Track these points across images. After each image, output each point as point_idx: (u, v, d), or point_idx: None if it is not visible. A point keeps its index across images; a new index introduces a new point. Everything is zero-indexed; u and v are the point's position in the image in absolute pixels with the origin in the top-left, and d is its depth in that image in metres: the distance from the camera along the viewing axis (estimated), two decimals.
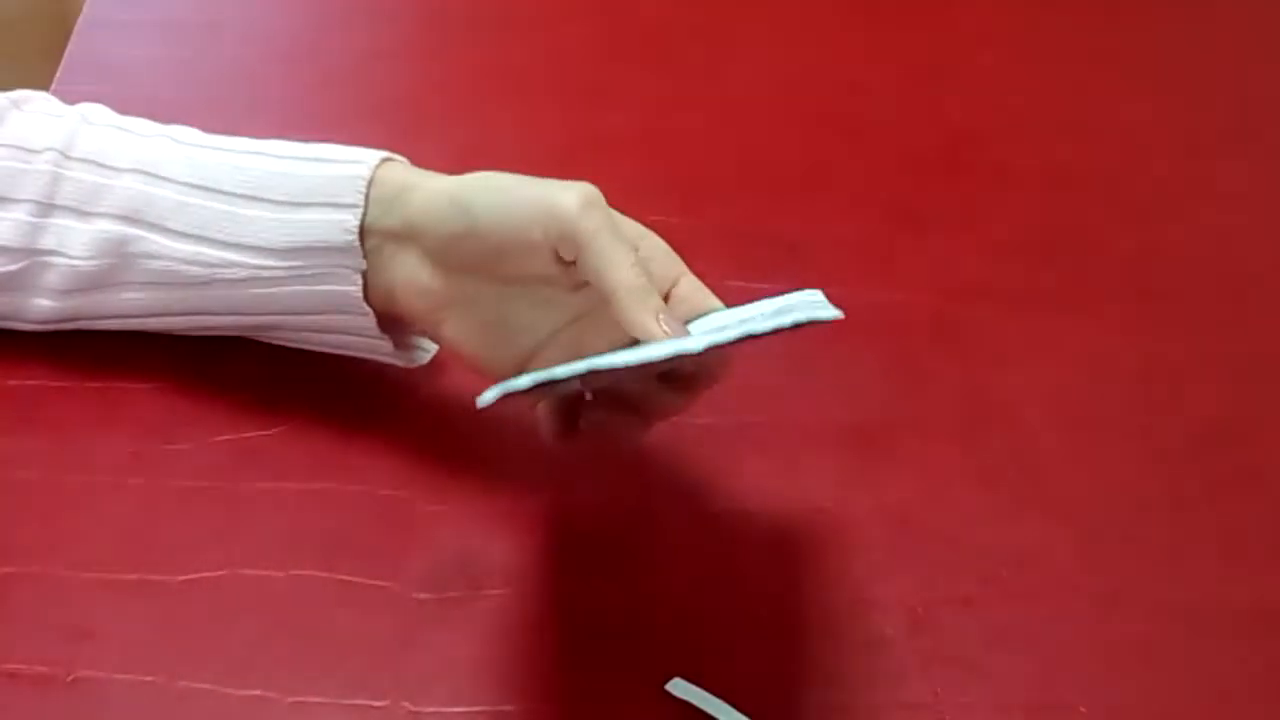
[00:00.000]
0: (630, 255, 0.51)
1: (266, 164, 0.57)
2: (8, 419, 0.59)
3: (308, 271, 0.56)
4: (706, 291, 0.55)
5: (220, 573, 0.55)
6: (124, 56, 0.82)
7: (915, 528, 0.60)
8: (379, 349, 0.59)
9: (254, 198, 0.57)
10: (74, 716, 0.50)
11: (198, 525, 0.57)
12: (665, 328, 0.50)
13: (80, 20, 0.84)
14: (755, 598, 0.56)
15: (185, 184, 0.57)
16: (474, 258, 0.54)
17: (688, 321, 0.53)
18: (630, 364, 0.46)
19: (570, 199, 0.52)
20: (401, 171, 0.57)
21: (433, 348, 0.62)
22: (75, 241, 0.58)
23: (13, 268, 0.59)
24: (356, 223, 0.55)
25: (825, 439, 0.63)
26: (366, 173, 0.56)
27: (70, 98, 0.78)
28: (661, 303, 0.51)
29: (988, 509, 0.61)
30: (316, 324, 0.59)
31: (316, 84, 0.83)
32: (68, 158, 0.59)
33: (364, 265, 0.56)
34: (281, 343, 0.61)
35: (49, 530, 0.56)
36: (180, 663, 0.52)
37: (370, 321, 0.57)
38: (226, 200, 0.57)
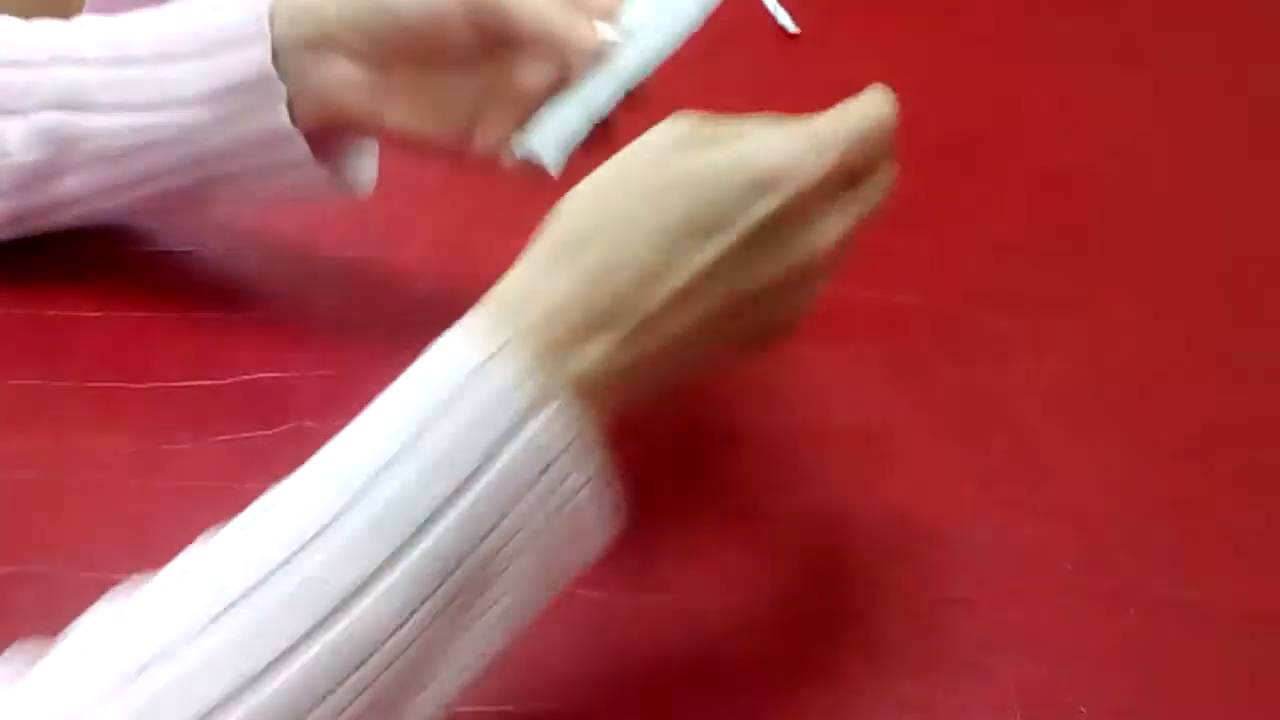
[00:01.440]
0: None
1: (173, 23, 0.59)
2: (8, 419, 0.59)
3: (233, 113, 0.58)
4: None
5: None
6: None
7: (915, 528, 0.60)
8: (317, 180, 0.60)
9: (171, 57, 0.58)
10: None
11: (198, 525, 0.57)
12: (603, 29, 0.56)
13: None
14: (755, 597, 0.56)
15: (104, 60, 0.59)
16: (398, 46, 0.57)
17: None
18: (661, 52, 0.57)
19: None
20: None
21: (372, 175, 0.64)
22: (13, 139, 0.59)
23: None
24: (267, 53, 0.57)
25: (825, 439, 0.63)
26: (263, 9, 0.57)
27: None
28: (589, 22, 0.55)
29: (988, 509, 0.61)
30: (253, 167, 0.60)
31: None
32: None
33: (284, 92, 0.57)
34: (231, 204, 0.64)
35: (49, 530, 0.56)
36: None
37: (302, 149, 0.59)
38: (144, 66, 0.59)
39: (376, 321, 0.66)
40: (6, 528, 0.56)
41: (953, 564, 0.58)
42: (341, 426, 0.60)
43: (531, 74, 0.57)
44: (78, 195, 0.61)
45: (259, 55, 0.57)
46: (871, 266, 0.73)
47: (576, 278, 0.45)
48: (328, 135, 0.61)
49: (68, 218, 0.62)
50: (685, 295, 0.46)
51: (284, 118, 0.58)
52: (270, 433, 0.60)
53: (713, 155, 0.47)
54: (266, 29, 0.57)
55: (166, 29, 0.60)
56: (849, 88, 0.87)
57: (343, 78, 0.58)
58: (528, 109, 0.57)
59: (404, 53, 0.57)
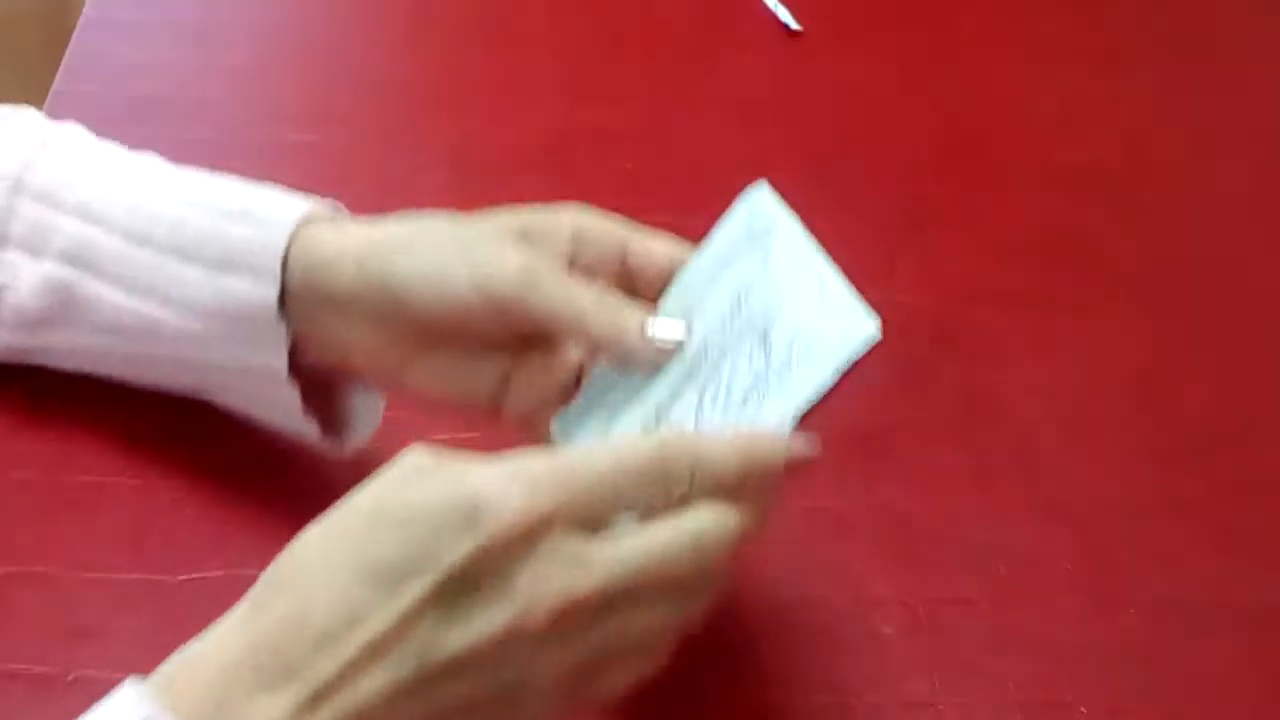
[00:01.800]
0: (583, 293, 0.49)
1: (198, 217, 0.55)
2: (8, 419, 0.59)
3: (233, 336, 0.54)
4: (660, 239, 0.53)
5: (220, 573, 0.55)
6: (124, 56, 0.82)
7: (915, 528, 0.60)
8: (306, 430, 0.56)
9: (185, 254, 0.54)
10: (73, 716, 0.50)
11: (198, 525, 0.57)
12: (654, 335, 0.50)
13: (80, 20, 0.84)
14: (755, 598, 0.56)
15: (123, 231, 0.55)
16: (415, 327, 0.52)
17: (662, 288, 0.52)
18: (824, 386, 0.48)
19: (507, 281, 0.49)
20: (323, 234, 0.53)
21: (365, 436, 0.58)
22: (25, 280, 0.56)
23: None
24: (273, 295, 0.52)
25: (825, 439, 0.63)
26: (282, 241, 0.53)
27: (70, 98, 0.78)
28: (636, 318, 0.50)
29: (988, 509, 0.61)
30: (245, 394, 0.56)
31: (316, 84, 0.83)
32: (20, 190, 0.57)
33: (286, 336, 0.53)
34: (225, 406, 0.59)
35: (49, 530, 0.56)
36: None
37: (294, 399, 0.54)
38: (160, 254, 0.55)
39: None
40: (6, 528, 0.56)
41: (953, 564, 0.58)
42: None
43: (572, 352, 0.52)
44: (72, 352, 0.58)
45: (266, 294, 0.52)
46: (871, 266, 0.73)
47: (255, 633, 0.41)
48: (336, 376, 0.56)
49: (64, 365, 0.59)
50: (371, 655, 0.40)
51: (281, 363, 0.53)
52: (270, 435, 0.60)
53: (418, 491, 0.41)
54: (277, 270, 0.52)
55: (189, 218, 0.55)
56: (850, 85, 0.87)
57: (357, 339, 0.52)
58: (565, 382, 0.52)
59: (422, 332, 0.52)
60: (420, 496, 0.41)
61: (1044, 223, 0.77)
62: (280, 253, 0.52)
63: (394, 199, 0.73)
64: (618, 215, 0.53)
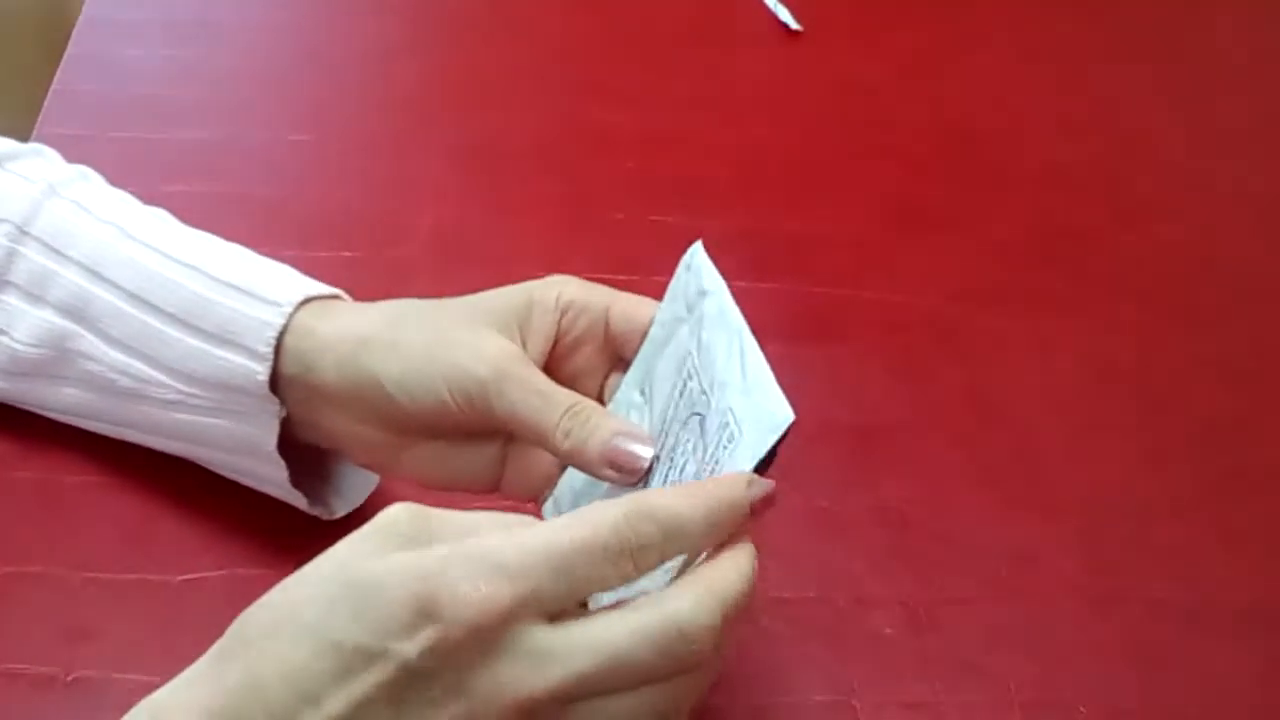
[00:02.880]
0: (551, 402, 0.49)
1: (199, 285, 0.54)
2: (8, 420, 0.59)
3: (229, 407, 0.53)
4: (642, 303, 0.52)
5: (220, 573, 0.55)
6: (124, 56, 0.82)
7: (915, 528, 0.60)
8: (294, 499, 0.56)
9: (181, 321, 0.54)
10: (73, 716, 0.50)
11: (198, 525, 0.57)
12: (616, 454, 0.48)
13: (80, 20, 0.84)
14: (755, 598, 0.56)
15: (124, 291, 0.55)
16: (404, 421, 0.51)
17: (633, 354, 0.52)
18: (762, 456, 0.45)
19: (476, 383, 0.49)
20: (317, 324, 0.53)
21: (356, 503, 0.58)
22: (21, 324, 0.56)
23: None
24: (266, 376, 0.52)
25: (825, 439, 0.63)
26: (279, 322, 0.52)
27: (70, 98, 0.78)
28: (600, 436, 0.48)
29: (988, 509, 0.61)
30: (234, 463, 0.56)
31: (317, 84, 0.83)
32: (24, 233, 0.56)
33: (281, 413, 0.53)
34: (214, 471, 0.58)
35: (49, 530, 0.56)
36: (180, 663, 0.51)
37: (281, 473, 0.54)
38: (158, 318, 0.54)
39: None
40: (6, 528, 0.56)
41: (953, 564, 0.58)
42: None
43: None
44: (69, 407, 0.57)
45: (258, 372, 0.52)
46: (871, 266, 0.73)
47: (215, 698, 0.40)
48: (328, 454, 0.56)
49: (57, 416, 0.59)
50: None
51: (270, 441, 0.53)
52: None
53: (383, 565, 0.39)
54: (270, 351, 0.52)
55: (190, 284, 0.54)
56: (850, 85, 0.87)
57: (347, 429, 0.52)
58: (555, 465, 0.51)
59: (409, 426, 0.51)
60: (384, 572, 0.39)
61: (1044, 223, 0.77)
62: (275, 334, 0.52)
63: (394, 200, 0.74)
64: (601, 285, 0.52)
